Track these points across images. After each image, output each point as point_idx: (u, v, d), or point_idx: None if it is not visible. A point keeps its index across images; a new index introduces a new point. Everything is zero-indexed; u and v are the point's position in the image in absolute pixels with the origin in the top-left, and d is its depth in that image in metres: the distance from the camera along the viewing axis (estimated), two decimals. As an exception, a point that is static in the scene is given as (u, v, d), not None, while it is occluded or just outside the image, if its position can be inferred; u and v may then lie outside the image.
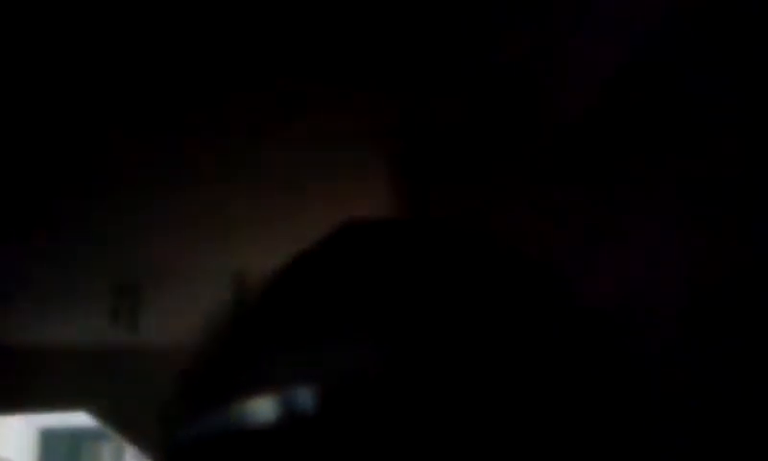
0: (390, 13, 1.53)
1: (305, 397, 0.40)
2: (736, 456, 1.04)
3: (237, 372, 0.43)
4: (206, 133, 2.07)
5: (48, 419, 6.06)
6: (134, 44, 1.65)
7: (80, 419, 4.51)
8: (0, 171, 2.18)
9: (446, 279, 0.44)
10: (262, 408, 0.41)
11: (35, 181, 2.29)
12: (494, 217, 1.68)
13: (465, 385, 0.39)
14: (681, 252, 1.19)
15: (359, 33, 1.61)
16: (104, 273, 3.07)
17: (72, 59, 1.67)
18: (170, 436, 0.45)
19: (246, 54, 1.70)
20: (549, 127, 1.58)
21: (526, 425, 0.40)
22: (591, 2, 1.36)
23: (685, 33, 1.23)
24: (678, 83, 1.25)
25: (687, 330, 1.16)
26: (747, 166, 1.11)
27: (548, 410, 0.41)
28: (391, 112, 1.92)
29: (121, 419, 3.97)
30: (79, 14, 1.52)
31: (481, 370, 0.40)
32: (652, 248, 1.26)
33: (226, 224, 2.71)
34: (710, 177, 1.16)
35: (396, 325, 0.41)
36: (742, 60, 1.13)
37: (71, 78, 1.76)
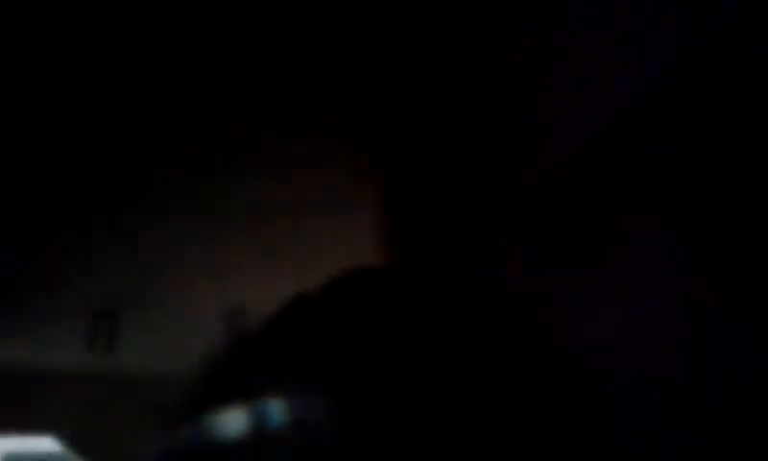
0: (378, 42, 1.51)
1: (275, 408, 0.40)
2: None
3: (210, 391, 0.44)
4: (194, 162, 2.04)
5: (12, 444, 5.93)
6: (126, 73, 1.62)
7: (45, 444, 4.44)
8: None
9: (427, 327, 0.45)
10: (232, 420, 0.41)
11: (13, 203, 2.25)
12: (478, 255, 1.67)
13: (428, 425, 0.40)
14: (672, 302, 1.19)
15: (346, 68, 1.59)
16: (82, 299, 3.03)
17: (53, 81, 1.65)
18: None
19: (241, 84, 1.68)
20: (542, 168, 1.57)
21: None
22: (596, 40, 1.36)
23: (691, 76, 1.23)
24: (680, 126, 1.24)
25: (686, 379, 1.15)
26: (746, 208, 1.11)
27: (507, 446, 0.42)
28: (382, 150, 1.91)
29: (89, 445, 3.92)
30: (68, 21, 1.50)
31: (449, 415, 0.41)
32: (644, 293, 1.25)
33: (210, 256, 2.68)
34: (707, 221, 1.15)
35: (377, 368, 0.43)
36: (745, 104, 1.13)
37: (54, 100, 1.73)
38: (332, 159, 1.98)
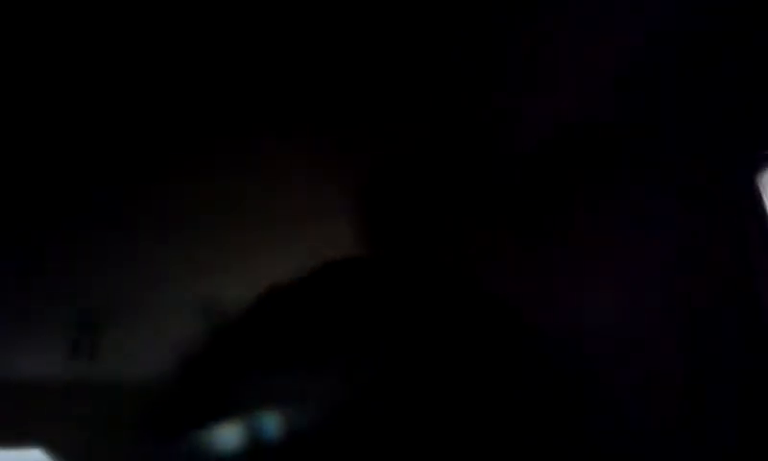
0: (358, 52, 1.50)
1: (270, 423, 0.41)
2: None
3: (207, 399, 0.44)
4: (168, 166, 2.03)
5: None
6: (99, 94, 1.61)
7: (33, 456, 4.38)
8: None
9: (405, 314, 0.46)
10: (228, 435, 0.41)
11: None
12: (454, 249, 1.66)
13: (421, 412, 0.41)
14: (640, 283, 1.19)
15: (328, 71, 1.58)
16: (65, 306, 2.99)
17: (28, 99, 1.63)
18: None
19: (212, 91, 1.67)
20: (511, 159, 1.57)
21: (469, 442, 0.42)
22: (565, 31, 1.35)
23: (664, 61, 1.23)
24: (650, 111, 1.24)
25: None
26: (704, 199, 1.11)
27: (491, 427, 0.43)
28: (358, 149, 1.91)
29: (76, 455, 3.86)
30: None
31: (434, 402, 0.42)
32: (609, 281, 1.25)
33: (191, 256, 2.66)
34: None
35: (359, 354, 0.43)
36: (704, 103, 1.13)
37: (27, 115, 1.72)
38: (315, 158, 1.98)
